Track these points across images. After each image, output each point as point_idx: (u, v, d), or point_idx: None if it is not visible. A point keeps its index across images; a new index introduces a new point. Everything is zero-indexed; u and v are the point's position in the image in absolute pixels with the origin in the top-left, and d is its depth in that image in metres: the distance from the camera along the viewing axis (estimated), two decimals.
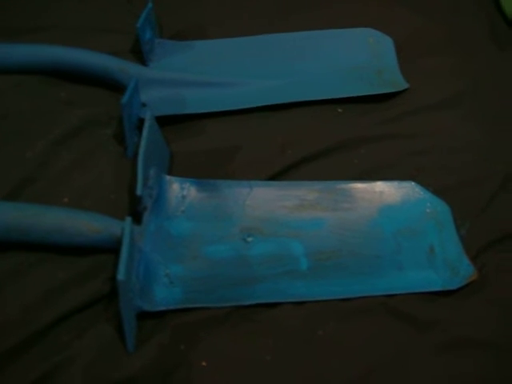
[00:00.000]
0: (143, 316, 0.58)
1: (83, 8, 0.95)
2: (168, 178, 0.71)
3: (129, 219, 0.61)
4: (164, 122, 0.77)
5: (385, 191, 0.71)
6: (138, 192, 0.64)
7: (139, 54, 0.88)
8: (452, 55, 0.88)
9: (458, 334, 0.59)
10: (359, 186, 0.72)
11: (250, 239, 0.68)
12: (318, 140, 0.76)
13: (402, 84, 0.83)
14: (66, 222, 0.62)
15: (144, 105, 0.81)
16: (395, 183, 0.71)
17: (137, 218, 0.65)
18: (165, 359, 0.56)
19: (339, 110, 0.80)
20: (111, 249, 0.63)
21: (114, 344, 0.56)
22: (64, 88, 0.82)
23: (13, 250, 0.62)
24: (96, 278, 0.62)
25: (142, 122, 0.76)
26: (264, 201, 0.71)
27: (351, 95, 0.81)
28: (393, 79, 0.84)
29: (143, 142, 0.68)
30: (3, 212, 0.62)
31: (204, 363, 0.56)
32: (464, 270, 0.63)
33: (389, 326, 0.60)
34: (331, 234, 0.68)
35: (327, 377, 0.56)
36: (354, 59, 0.87)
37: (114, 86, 0.83)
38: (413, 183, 0.71)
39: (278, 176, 0.73)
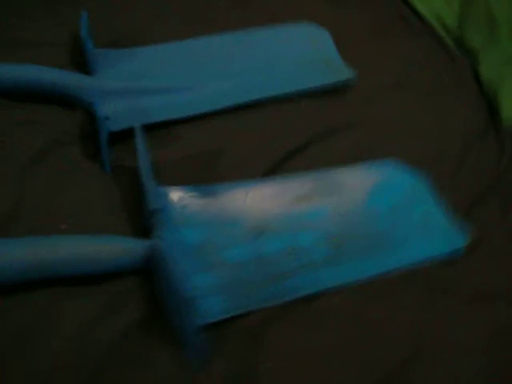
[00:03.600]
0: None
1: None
2: (164, 188, 0.69)
3: (158, 236, 0.59)
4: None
5: (371, 172, 0.76)
6: (152, 206, 0.62)
7: (80, 66, 0.83)
8: (381, 42, 0.94)
9: (475, 289, 0.65)
10: (346, 171, 0.75)
11: (260, 238, 0.68)
12: (295, 134, 0.78)
13: (350, 72, 0.86)
14: (86, 249, 0.58)
15: (107, 118, 0.76)
16: (378, 163, 0.76)
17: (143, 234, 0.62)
18: (232, 369, 0.55)
19: (303, 103, 0.83)
20: (135, 269, 0.60)
21: (175, 368, 0.54)
22: (16, 109, 0.75)
23: (36, 288, 0.56)
24: (128, 303, 0.58)
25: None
26: (262, 199, 0.71)
27: (307, 88, 0.84)
28: (340, 68, 0.87)
29: (142, 155, 0.65)
30: (11, 252, 0.55)
31: (270, 364, 0.56)
32: (460, 232, 0.69)
33: (417, 294, 0.64)
34: (333, 221, 0.71)
35: (383, 356, 0.58)
36: (299, 53, 0.89)
37: (66, 101, 0.78)
38: (393, 161, 0.76)
39: (268, 173, 0.74)
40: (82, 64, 0.83)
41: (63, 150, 0.72)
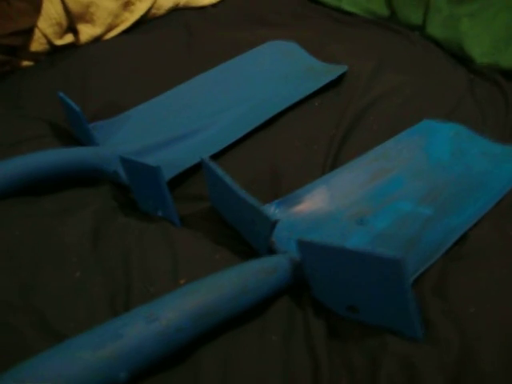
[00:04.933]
0: None
1: None
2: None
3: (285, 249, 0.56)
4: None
5: (415, 135, 0.77)
6: (274, 218, 0.57)
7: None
8: (337, 40, 0.98)
9: None
10: (396, 141, 0.76)
11: (364, 222, 0.65)
12: (329, 128, 0.78)
13: (340, 68, 0.88)
14: (243, 277, 0.51)
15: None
16: (416, 127, 0.78)
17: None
18: (448, 328, 0.51)
19: (316, 104, 0.83)
20: (286, 286, 0.55)
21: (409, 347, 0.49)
22: (42, 201, 0.67)
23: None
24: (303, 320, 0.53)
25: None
26: (344, 187, 0.70)
27: (306, 95, 0.84)
28: (327, 68, 0.89)
29: (230, 180, 0.60)
30: (178, 306, 0.47)
31: (472, 309, 0.52)
32: None
33: None
34: (415, 182, 0.71)
35: None
36: (283, 68, 0.91)
37: (86, 179, 0.71)
38: (427, 120, 0.79)
39: (329, 168, 0.72)
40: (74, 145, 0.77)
41: (114, 225, 0.64)
